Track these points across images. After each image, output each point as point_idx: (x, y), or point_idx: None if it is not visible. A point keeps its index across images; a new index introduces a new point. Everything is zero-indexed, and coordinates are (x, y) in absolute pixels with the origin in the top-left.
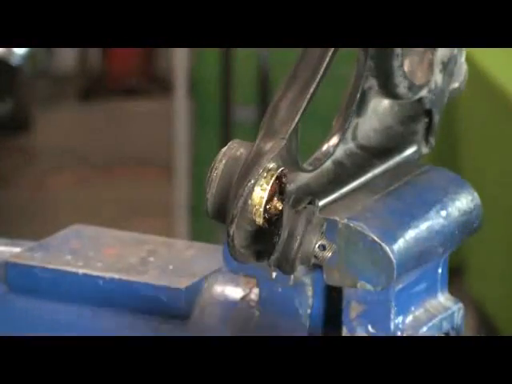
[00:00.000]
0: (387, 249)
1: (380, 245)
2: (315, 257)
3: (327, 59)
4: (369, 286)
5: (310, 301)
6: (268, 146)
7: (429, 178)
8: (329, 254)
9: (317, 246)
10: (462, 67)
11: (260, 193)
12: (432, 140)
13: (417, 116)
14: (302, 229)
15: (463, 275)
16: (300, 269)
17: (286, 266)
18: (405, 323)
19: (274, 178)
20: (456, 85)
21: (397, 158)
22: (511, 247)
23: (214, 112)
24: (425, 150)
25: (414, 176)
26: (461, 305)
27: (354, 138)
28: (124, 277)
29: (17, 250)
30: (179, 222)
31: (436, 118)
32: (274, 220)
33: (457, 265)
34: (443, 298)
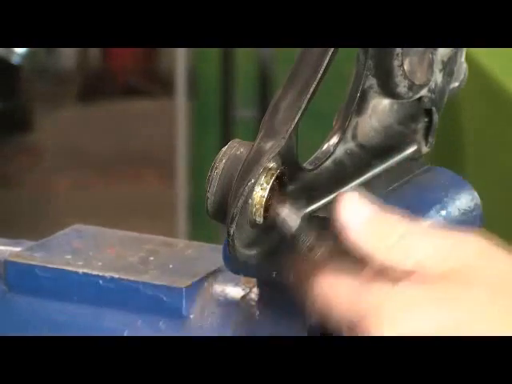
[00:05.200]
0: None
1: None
2: (305, 257)
3: (327, 59)
4: None
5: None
6: (268, 145)
7: (429, 177)
8: (316, 256)
9: (305, 247)
10: (462, 66)
11: (260, 192)
12: (432, 139)
13: (417, 115)
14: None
15: None
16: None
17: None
18: None
19: (274, 178)
20: (456, 84)
21: (397, 158)
22: None
23: (214, 112)
24: (425, 149)
25: (414, 176)
26: None
27: (354, 137)
28: (124, 276)
29: (17, 249)
30: (179, 221)
31: (436, 117)
32: (273, 219)
33: None
34: None
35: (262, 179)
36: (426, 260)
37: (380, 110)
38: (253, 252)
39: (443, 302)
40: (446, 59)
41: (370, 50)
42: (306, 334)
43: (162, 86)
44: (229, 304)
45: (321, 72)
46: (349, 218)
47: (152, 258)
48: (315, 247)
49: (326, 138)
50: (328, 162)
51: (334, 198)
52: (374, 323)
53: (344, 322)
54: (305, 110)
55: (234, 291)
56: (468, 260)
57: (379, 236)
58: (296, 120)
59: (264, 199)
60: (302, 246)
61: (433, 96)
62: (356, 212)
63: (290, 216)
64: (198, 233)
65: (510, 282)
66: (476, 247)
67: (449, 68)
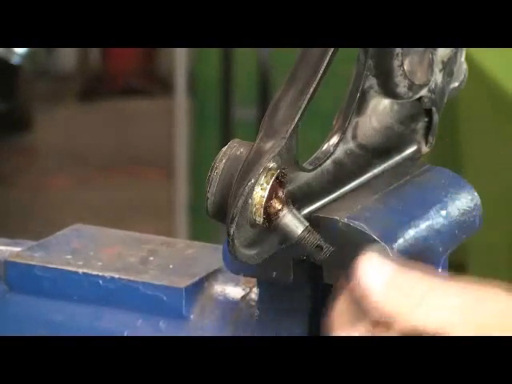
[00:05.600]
0: (387, 248)
1: (380, 244)
2: (312, 258)
3: (327, 59)
4: None
5: (310, 300)
6: (268, 145)
7: (429, 177)
8: (325, 256)
9: (314, 247)
10: (462, 66)
11: (260, 192)
12: (432, 139)
13: (417, 115)
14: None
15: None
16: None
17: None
18: None
19: (274, 178)
20: (456, 84)
21: (397, 158)
22: None
23: (214, 112)
24: (425, 149)
25: (414, 175)
26: None
27: (354, 137)
28: (124, 276)
29: (17, 249)
30: (179, 221)
31: (436, 117)
32: (273, 219)
33: (457, 265)
34: None
35: (262, 179)
36: (448, 322)
37: (380, 109)
38: (253, 252)
39: None
40: (445, 59)
41: (370, 49)
42: (306, 334)
43: (162, 86)
44: (229, 304)
45: (321, 72)
46: (370, 281)
47: (152, 258)
48: (323, 247)
49: (326, 138)
50: (328, 162)
51: (353, 261)
52: None
53: None
54: (305, 109)
55: (234, 291)
56: (491, 321)
57: (401, 297)
58: (296, 120)
59: (264, 199)
60: (308, 247)
61: (433, 96)
62: (376, 274)
63: (293, 221)
64: (198, 233)
65: None
66: (498, 306)
67: (449, 68)
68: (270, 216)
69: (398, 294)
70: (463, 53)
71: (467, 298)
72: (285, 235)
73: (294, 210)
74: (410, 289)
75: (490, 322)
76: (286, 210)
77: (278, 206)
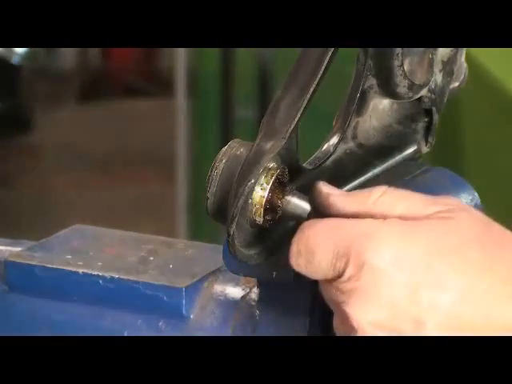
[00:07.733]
0: None
1: None
2: (279, 207)
3: (327, 59)
4: None
5: (310, 300)
6: (268, 145)
7: (429, 177)
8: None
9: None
10: (462, 66)
11: (260, 192)
12: (432, 139)
13: (417, 115)
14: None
15: None
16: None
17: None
18: None
19: (274, 178)
20: (456, 84)
21: (397, 158)
22: None
23: (214, 111)
24: (425, 149)
25: (414, 176)
26: None
27: (354, 137)
28: (124, 276)
29: (17, 249)
30: (179, 221)
31: (436, 117)
32: (273, 219)
33: None
34: None
35: (262, 179)
36: (411, 206)
37: (380, 109)
38: (253, 252)
39: (433, 231)
40: (445, 59)
41: (370, 50)
42: (306, 334)
43: (162, 86)
44: (229, 304)
45: (321, 72)
46: (330, 187)
47: (152, 258)
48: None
49: (326, 138)
50: (328, 162)
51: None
52: (364, 247)
53: (327, 259)
54: (305, 109)
55: (234, 291)
56: (451, 206)
57: (361, 196)
58: (296, 120)
59: (264, 199)
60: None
61: (433, 96)
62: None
63: (299, 202)
64: (198, 233)
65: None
66: (457, 202)
67: (449, 68)
68: (270, 216)
69: (357, 195)
70: (463, 53)
71: (427, 196)
72: (296, 217)
73: (296, 192)
74: (367, 192)
75: (451, 207)
76: (289, 196)
77: (277, 205)
